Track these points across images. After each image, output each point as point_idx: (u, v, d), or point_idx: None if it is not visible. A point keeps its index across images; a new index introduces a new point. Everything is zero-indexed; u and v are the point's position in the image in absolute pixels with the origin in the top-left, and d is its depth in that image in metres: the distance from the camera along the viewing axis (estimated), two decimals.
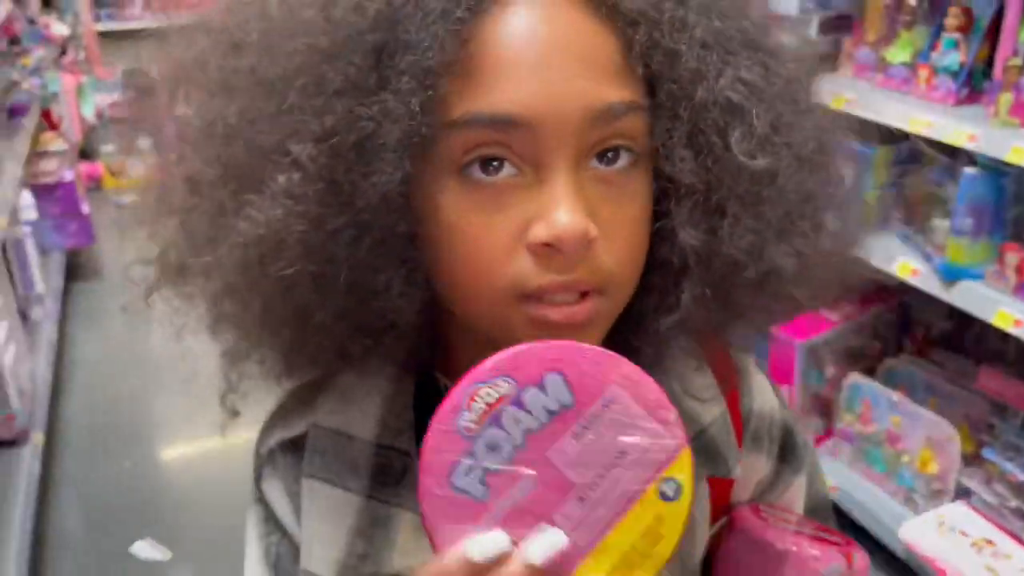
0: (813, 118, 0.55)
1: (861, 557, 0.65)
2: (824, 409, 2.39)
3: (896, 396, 2.17)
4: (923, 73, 1.94)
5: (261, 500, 0.64)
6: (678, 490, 0.40)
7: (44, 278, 3.23)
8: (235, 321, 0.56)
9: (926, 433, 2.09)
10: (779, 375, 2.29)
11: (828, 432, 2.39)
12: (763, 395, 0.68)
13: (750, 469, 0.67)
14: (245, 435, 0.68)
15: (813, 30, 2.18)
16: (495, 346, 0.50)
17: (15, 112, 3.32)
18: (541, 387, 0.42)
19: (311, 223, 0.48)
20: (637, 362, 0.50)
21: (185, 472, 2.75)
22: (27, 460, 2.43)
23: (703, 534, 0.64)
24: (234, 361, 0.59)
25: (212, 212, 0.51)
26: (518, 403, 0.42)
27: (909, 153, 2.07)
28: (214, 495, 2.71)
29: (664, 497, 0.40)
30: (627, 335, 0.57)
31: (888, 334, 2.44)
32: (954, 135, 1.78)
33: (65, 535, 2.44)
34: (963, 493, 2.05)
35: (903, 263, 1.98)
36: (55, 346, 3.11)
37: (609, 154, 0.50)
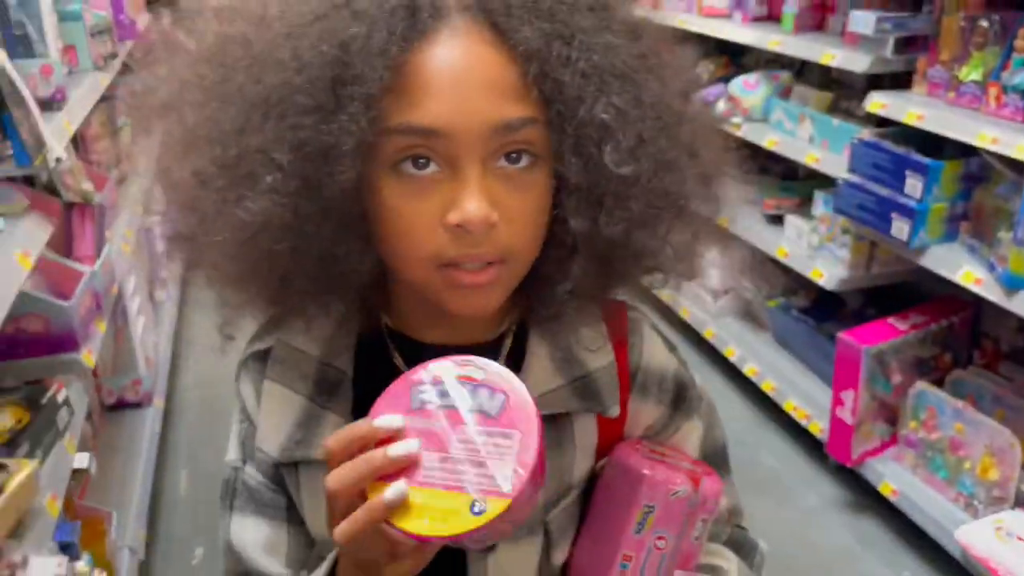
0: (677, 130, 0.69)
1: (710, 484, 0.77)
2: (890, 416, 2.45)
3: (960, 404, 2.22)
4: (993, 91, 2.02)
5: (238, 395, 0.83)
6: (480, 513, 0.57)
7: (168, 265, 3.57)
8: (231, 277, 0.73)
9: (988, 440, 2.14)
10: (844, 379, 2.38)
11: (893, 438, 2.46)
12: (653, 355, 0.81)
13: (638, 413, 0.81)
14: None
15: (889, 49, 2.28)
16: (426, 299, 0.69)
17: None
18: (492, 394, 0.60)
19: (289, 211, 0.64)
20: (538, 317, 0.71)
21: None
22: (149, 422, 2.73)
23: (584, 459, 0.79)
24: (227, 304, 0.77)
25: (215, 200, 0.67)
26: (481, 386, 0.60)
27: (980, 168, 2.14)
28: None
29: (471, 507, 0.57)
30: (532, 297, 0.74)
31: (958, 346, 2.49)
32: (1017, 150, 1.86)
33: (177, 492, 2.71)
34: None
35: (967, 272, 2.05)
36: (175, 326, 3.43)
37: (513, 155, 0.65)
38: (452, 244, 0.65)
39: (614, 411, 0.77)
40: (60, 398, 1.77)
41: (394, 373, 0.73)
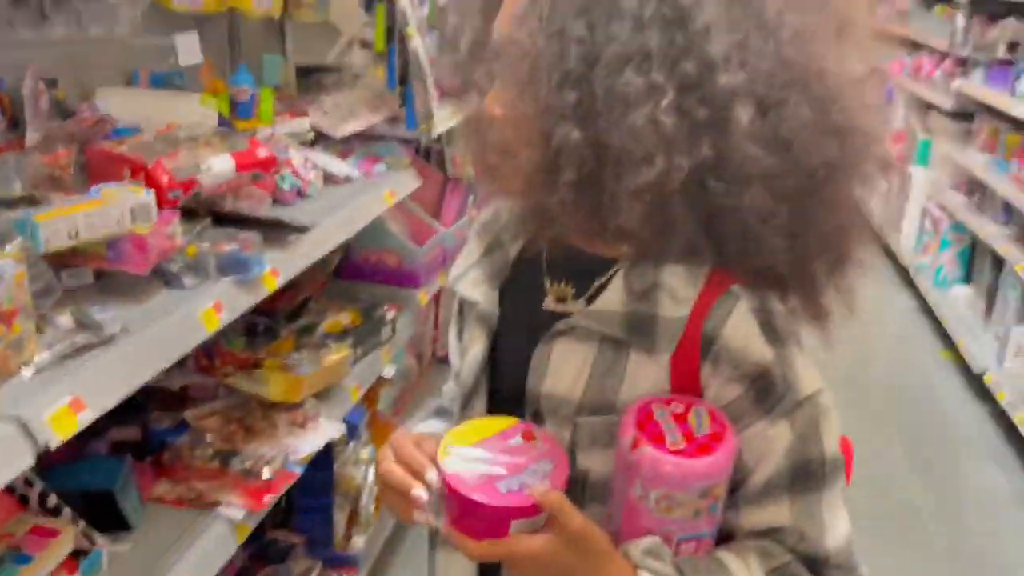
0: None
1: (649, 455, 0.75)
2: None
3: None
4: None
5: None
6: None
7: None
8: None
9: None
10: None
11: None
12: (737, 332, 0.80)
13: (710, 385, 0.81)
14: None
15: None
16: None
17: None
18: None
19: None
20: (637, 254, 0.82)
21: None
22: None
23: (632, 393, 0.82)
24: None
25: None
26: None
27: None
28: None
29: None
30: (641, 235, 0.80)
31: None
32: None
33: None
34: None
35: None
36: None
37: None
38: None
39: (659, 358, 0.81)
40: (388, 317, 2.18)
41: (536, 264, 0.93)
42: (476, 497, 0.75)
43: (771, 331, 0.81)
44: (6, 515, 1.30)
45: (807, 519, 0.82)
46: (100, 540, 1.35)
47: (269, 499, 1.56)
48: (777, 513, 0.82)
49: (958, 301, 4.23)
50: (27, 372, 1.07)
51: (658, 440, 0.77)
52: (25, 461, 0.97)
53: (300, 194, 1.86)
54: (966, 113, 4.56)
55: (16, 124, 1.51)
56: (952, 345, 3.99)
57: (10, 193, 1.27)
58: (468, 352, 0.95)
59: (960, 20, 4.60)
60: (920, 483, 2.96)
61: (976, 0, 4.52)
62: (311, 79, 2.36)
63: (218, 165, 1.51)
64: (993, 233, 3.83)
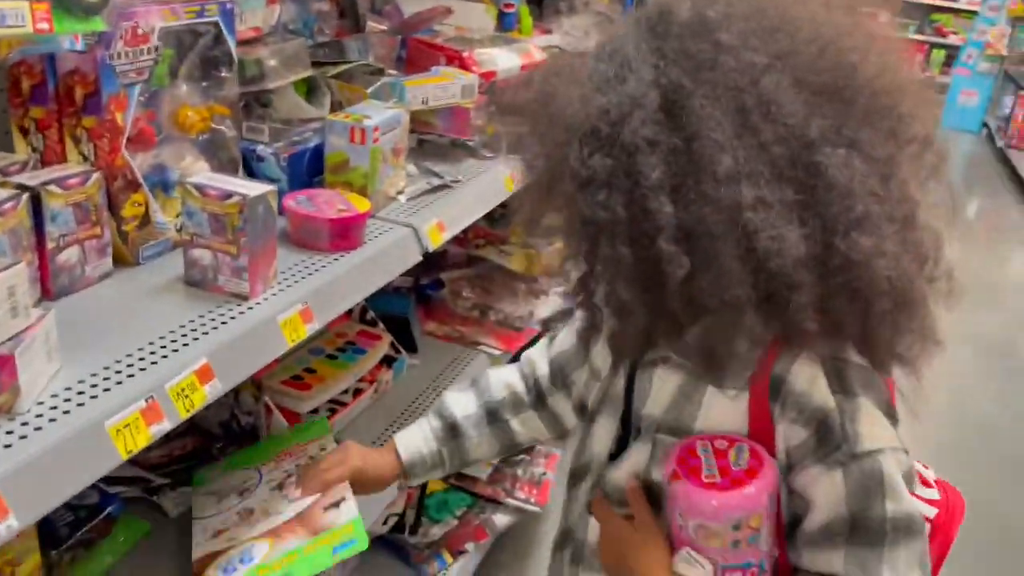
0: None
1: (682, 488, 0.80)
2: None
3: None
4: None
5: None
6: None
7: None
8: None
9: None
10: None
11: None
12: (802, 377, 0.81)
13: (780, 424, 0.83)
14: None
15: None
16: None
17: None
18: None
19: None
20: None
21: None
22: None
23: (706, 421, 0.86)
24: None
25: None
26: None
27: None
28: None
29: None
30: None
31: None
32: None
33: None
34: None
35: None
36: None
37: None
38: None
39: (736, 397, 0.84)
40: None
41: None
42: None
43: (838, 379, 0.82)
44: (340, 321, 1.67)
45: (860, 572, 0.81)
46: (403, 351, 1.70)
47: (518, 346, 1.89)
48: (832, 560, 0.82)
49: None
50: (402, 198, 1.39)
51: (694, 473, 0.81)
52: (415, 258, 1.29)
53: None
54: None
55: (343, 15, 1.85)
56: None
57: (368, 63, 1.60)
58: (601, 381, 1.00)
59: None
60: None
61: None
62: (545, 5, 2.63)
63: (507, 62, 1.80)
64: None
